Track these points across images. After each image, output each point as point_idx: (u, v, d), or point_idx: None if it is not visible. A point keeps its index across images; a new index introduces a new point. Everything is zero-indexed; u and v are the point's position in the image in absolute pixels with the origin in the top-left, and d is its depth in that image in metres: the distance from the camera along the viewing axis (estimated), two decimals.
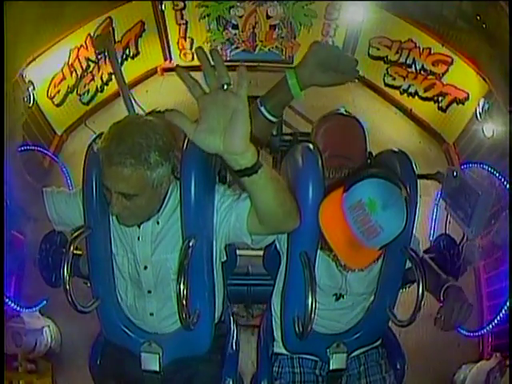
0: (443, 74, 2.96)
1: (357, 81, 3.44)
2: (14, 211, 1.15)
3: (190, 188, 1.03)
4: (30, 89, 2.41)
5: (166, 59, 3.43)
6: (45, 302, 2.04)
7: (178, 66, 0.74)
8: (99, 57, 2.87)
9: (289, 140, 1.97)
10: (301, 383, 1.24)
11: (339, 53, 0.87)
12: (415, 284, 1.13)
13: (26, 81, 2.40)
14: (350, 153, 1.15)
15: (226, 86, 0.68)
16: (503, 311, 1.70)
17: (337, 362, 1.22)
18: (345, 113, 1.23)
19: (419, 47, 2.99)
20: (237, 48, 3.49)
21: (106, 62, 2.94)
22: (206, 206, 1.06)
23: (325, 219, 1.02)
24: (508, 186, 1.50)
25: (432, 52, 2.94)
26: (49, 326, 2.01)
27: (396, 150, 1.18)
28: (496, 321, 1.74)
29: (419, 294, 1.10)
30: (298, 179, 1.09)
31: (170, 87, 3.33)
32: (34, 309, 1.99)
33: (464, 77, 2.83)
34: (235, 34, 3.42)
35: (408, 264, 1.18)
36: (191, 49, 3.40)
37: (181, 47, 3.42)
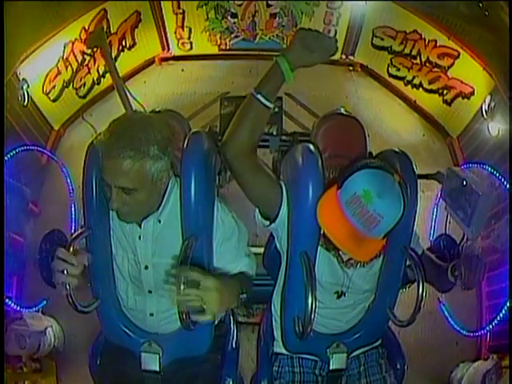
0: (449, 68, 2.88)
1: (360, 70, 3.39)
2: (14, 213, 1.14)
3: (190, 187, 1.03)
4: (25, 87, 2.37)
5: (163, 49, 3.38)
6: (45, 302, 2.04)
7: None
8: (94, 49, 2.81)
9: (289, 140, 1.95)
10: (301, 383, 1.25)
11: (320, 34, 1.01)
12: (415, 284, 1.13)
13: (20, 79, 2.35)
14: (350, 153, 1.16)
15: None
16: (503, 311, 1.71)
17: (337, 361, 1.23)
18: (345, 113, 1.22)
19: (425, 39, 2.91)
20: (237, 37, 3.43)
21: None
22: (206, 205, 1.06)
23: (324, 219, 1.02)
24: (508, 186, 1.49)
25: (438, 45, 2.86)
26: (51, 326, 2.02)
27: (397, 150, 1.18)
28: (496, 320, 1.75)
29: (419, 294, 1.11)
30: (298, 179, 1.09)
31: (168, 77, 3.26)
32: (34, 309, 2.00)
33: (470, 72, 2.75)
34: (234, 23, 3.34)
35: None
36: (189, 38, 3.34)
37: (178, 36, 3.36)
